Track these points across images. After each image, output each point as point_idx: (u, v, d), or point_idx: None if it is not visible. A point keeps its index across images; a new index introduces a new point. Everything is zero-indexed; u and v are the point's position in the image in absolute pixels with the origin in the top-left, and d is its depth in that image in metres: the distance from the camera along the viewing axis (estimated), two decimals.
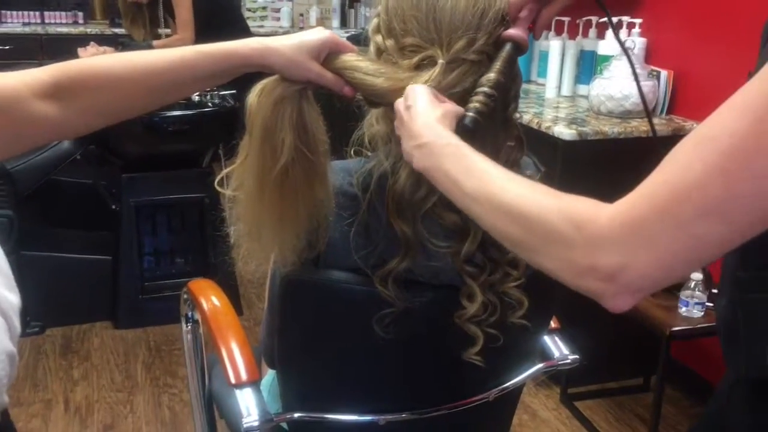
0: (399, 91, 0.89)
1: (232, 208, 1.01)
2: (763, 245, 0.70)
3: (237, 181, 0.98)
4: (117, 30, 4.10)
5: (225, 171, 1.00)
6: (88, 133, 0.94)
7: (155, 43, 3.42)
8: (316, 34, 0.94)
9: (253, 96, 0.94)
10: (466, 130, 0.85)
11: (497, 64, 0.91)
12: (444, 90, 0.90)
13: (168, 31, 3.60)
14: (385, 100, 0.94)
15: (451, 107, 0.86)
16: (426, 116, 0.82)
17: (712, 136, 0.56)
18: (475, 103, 0.88)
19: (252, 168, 0.95)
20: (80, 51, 3.27)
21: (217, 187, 1.02)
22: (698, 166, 0.56)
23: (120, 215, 2.81)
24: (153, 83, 0.91)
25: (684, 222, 0.56)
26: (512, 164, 0.99)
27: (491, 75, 0.90)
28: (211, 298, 1.40)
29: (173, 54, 0.91)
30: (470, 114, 0.87)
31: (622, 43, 1.13)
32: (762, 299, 0.70)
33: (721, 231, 0.56)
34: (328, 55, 0.95)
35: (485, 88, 0.89)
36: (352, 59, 0.94)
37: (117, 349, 2.72)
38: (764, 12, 0.65)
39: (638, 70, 2.33)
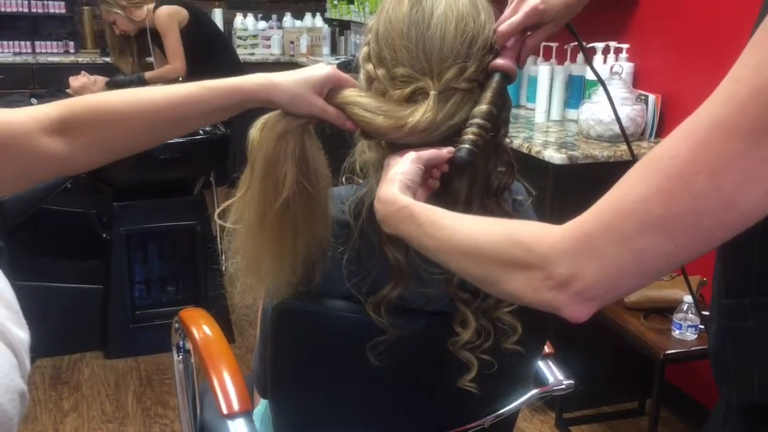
0: (398, 129, 0.91)
1: (231, 241, 1.01)
2: (740, 273, 0.71)
3: (237, 213, 0.98)
4: (108, 59, 4.11)
5: (225, 203, 1.00)
6: (91, 170, 0.94)
7: (147, 75, 3.44)
8: (319, 70, 0.95)
9: (255, 130, 0.94)
10: (462, 163, 0.89)
11: (488, 95, 0.92)
12: (442, 122, 0.91)
13: (151, 59, 3.62)
14: (384, 138, 0.95)
15: (414, 161, 0.89)
16: (380, 191, 0.87)
17: (658, 157, 0.59)
18: (470, 135, 0.90)
19: (253, 201, 0.95)
20: (71, 80, 3.28)
21: (217, 219, 1.02)
22: (642, 185, 0.59)
23: (110, 244, 2.80)
24: (159, 119, 0.91)
25: (627, 237, 0.59)
26: (503, 189, 1.00)
27: (483, 107, 0.91)
28: (202, 327, 1.39)
29: (179, 90, 0.92)
30: (465, 146, 0.89)
31: (594, 70, 1.14)
32: (746, 327, 0.70)
33: (664, 247, 0.58)
34: (330, 90, 0.95)
35: (478, 120, 0.90)
36: (353, 95, 0.95)
37: (108, 379, 2.69)
38: (748, 33, 0.66)
39: (626, 95, 2.35)
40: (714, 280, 0.76)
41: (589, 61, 1.15)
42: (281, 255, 0.97)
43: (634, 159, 1.05)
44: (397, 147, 0.94)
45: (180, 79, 3.42)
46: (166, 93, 0.92)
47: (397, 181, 0.86)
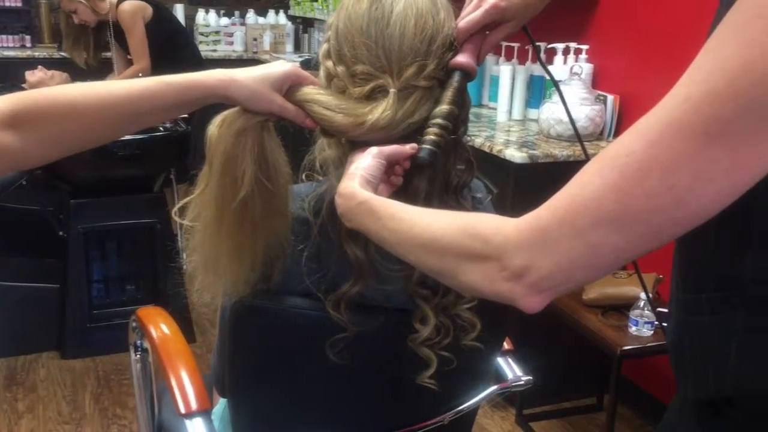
0: (357, 127, 0.91)
1: (189, 239, 1.00)
2: (697, 269, 0.72)
3: (195, 211, 0.97)
4: (65, 54, 4.03)
5: (183, 201, 0.98)
6: (45, 164, 0.92)
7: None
8: (279, 67, 0.95)
9: (213, 127, 0.93)
10: (423, 163, 0.89)
11: (448, 94, 0.93)
12: (402, 120, 0.91)
13: (109, 54, 3.54)
14: (344, 136, 0.95)
15: (376, 157, 0.89)
16: (341, 185, 0.87)
17: (612, 155, 0.60)
18: (431, 135, 0.90)
19: (211, 199, 0.94)
20: (27, 74, 3.20)
21: (175, 217, 1.01)
22: (597, 181, 0.60)
23: (68, 242, 2.74)
24: (115, 113, 0.90)
25: (581, 231, 0.60)
26: (463, 186, 1.00)
27: (444, 107, 0.92)
28: (160, 326, 1.37)
29: (136, 84, 0.91)
30: (427, 146, 0.89)
31: (548, 71, 1.16)
32: (702, 321, 0.71)
33: (616, 241, 0.60)
34: (290, 87, 0.95)
35: (439, 120, 0.91)
36: (313, 92, 0.95)
37: (64, 379, 2.64)
38: (705, 36, 0.68)
39: (586, 95, 2.39)
40: (672, 275, 0.78)
41: (542, 62, 1.17)
42: (240, 253, 0.96)
43: (587, 159, 1.07)
44: (358, 144, 0.94)
45: (140, 75, 3.37)
46: (123, 87, 0.91)
47: (357, 176, 0.86)
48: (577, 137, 1.16)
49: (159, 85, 0.91)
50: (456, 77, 0.94)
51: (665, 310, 0.84)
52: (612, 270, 0.63)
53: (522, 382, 1.34)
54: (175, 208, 1.01)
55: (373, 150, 0.90)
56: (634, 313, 2.02)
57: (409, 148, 0.91)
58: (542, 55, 2.68)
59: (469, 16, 0.95)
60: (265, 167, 0.93)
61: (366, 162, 0.88)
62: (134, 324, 1.49)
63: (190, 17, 5.14)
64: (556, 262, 0.62)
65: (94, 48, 3.58)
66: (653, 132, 0.58)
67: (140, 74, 3.34)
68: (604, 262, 0.61)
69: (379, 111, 0.90)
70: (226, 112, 0.94)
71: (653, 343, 1.99)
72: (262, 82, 0.92)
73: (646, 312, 2.00)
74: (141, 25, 3.39)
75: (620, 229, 0.59)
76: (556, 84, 1.18)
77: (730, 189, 0.57)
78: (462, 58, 0.94)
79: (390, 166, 0.91)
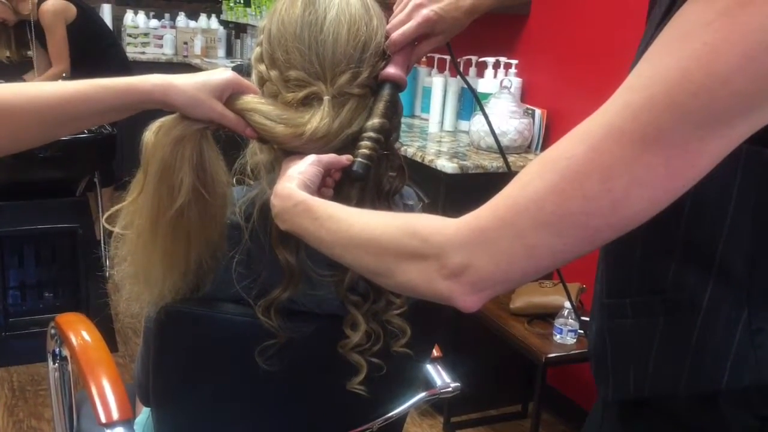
0: (297, 138, 0.90)
1: (118, 248, 0.96)
2: (622, 275, 0.75)
3: (127, 219, 0.94)
4: None
5: (114, 208, 0.95)
6: None
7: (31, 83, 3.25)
8: (219, 74, 0.93)
9: (150, 133, 0.91)
10: (357, 177, 0.91)
11: (380, 106, 0.94)
12: (340, 130, 0.92)
13: (30, 53, 3.42)
14: (283, 146, 0.94)
15: (314, 163, 0.89)
16: (278, 186, 0.86)
17: (553, 157, 0.61)
18: (363, 149, 0.91)
19: (146, 207, 0.92)
20: None
21: (105, 224, 0.98)
22: (537, 183, 0.61)
23: None
24: (47, 116, 0.86)
25: (520, 232, 0.61)
26: (394, 192, 1.01)
27: (375, 120, 0.93)
28: (81, 333, 1.32)
29: (70, 86, 0.87)
30: (360, 160, 0.91)
31: (470, 86, 1.19)
32: (625, 325, 0.74)
33: (553, 243, 0.61)
34: (230, 95, 0.93)
35: (371, 133, 0.92)
36: (253, 101, 0.94)
37: None
38: (629, 54, 0.71)
39: (515, 108, 2.44)
40: (596, 282, 0.80)
41: (464, 78, 1.19)
42: (172, 263, 0.94)
43: (509, 171, 1.10)
44: (293, 151, 0.93)
45: (64, 75, 3.26)
46: (56, 89, 0.87)
47: (295, 179, 0.86)
48: (499, 149, 1.18)
49: (95, 88, 0.88)
50: (387, 89, 0.95)
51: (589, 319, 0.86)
52: (548, 271, 0.64)
53: (450, 389, 1.36)
54: (106, 215, 0.97)
55: (312, 157, 0.90)
56: (558, 322, 2.07)
57: (345, 159, 0.91)
58: (472, 70, 2.75)
59: (402, 28, 0.97)
60: (203, 176, 0.91)
61: (304, 167, 0.88)
62: (53, 331, 1.43)
63: (118, 18, 5.01)
64: (495, 261, 0.63)
65: (16, 46, 3.45)
66: (593, 136, 0.59)
67: (64, 75, 3.23)
68: (542, 264, 0.63)
69: (317, 120, 0.90)
70: (163, 119, 0.92)
71: (576, 351, 2.04)
72: (202, 89, 0.90)
73: (570, 320, 2.06)
74: (62, 26, 3.28)
75: (558, 231, 0.60)
76: (476, 96, 1.22)
77: (664, 194, 0.59)
78: (392, 70, 0.95)
79: (325, 175, 0.91)
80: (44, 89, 0.87)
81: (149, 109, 0.92)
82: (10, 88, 0.86)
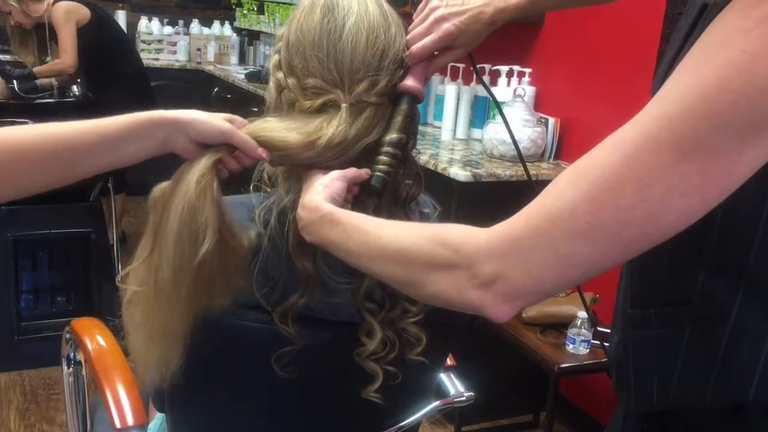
0: (311, 144, 0.89)
1: (130, 314, 0.91)
2: (648, 285, 0.75)
3: (137, 281, 0.89)
4: (4, 57, 3.91)
5: (127, 269, 0.90)
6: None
7: (36, 69, 3.29)
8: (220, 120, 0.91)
9: (160, 186, 0.87)
10: (375, 192, 0.91)
11: (398, 120, 0.94)
12: (357, 139, 0.91)
13: (49, 59, 3.48)
14: (297, 159, 0.91)
15: (339, 177, 0.88)
16: (305, 198, 0.86)
17: (587, 167, 0.61)
18: (381, 164, 0.91)
19: (163, 263, 0.85)
20: None
21: (119, 284, 0.91)
22: (571, 193, 0.61)
23: None
24: (67, 157, 0.86)
25: (553, 242, 0.61)
26: (411, 199, 1.01)
27: (393, 135, 0.92)
28: (96, 337, 1.33)
29: (88, 124, 0.87)
30: (378, 174, 0.91)
31: (492, 95, 1.19)
32: (649, 335, 0.73)
33: (587, 253, 0.60)
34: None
35: (389, 148, 0.92)
36: (258, 125, 0.92)
37: None
38: (642, 64, 0.71)
39: (528, 117, 2.44)
40: (618, 292, 0.80)
41: (486, 86, 1.20)
42: (192, 317, 0.89)
43: (529, 179, 1.10)
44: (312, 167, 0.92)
45: (70, 72, 3.31)
46: (81, 128, 0.86)
47: (322, 192, 0.85)
48: (520, 158, 1.18)
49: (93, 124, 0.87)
50: (405, 103, 0.95)
51: (606, 330, 0.86)
52: (580, 282, 0.64)
53: (464, 398, 1.35)
54: (120, 275, 0.92)
55: (337, 172, 0.89)
56: (571, 332, 2.06)
57: (364, 173, 0.91)
58: (485, 78, 2.76)
59: (422, 41, 0.96)
60: (221, 216, 0.87)
61: (330, 181, 0.87)
62: (68, 335, 1.44)
63: (132, 24, 5.04)
64: (527, 271, 0.62)
65: (38, 50, 3.51)
66: (627, 146, 0.59)
67: (67, 71, 3.28)
68: (575, 274, 0.62)
69: (334, 126, 0.90)
70: (165, 183, 0.88)
71: (589, 361, 2.03)
72: (207, 114, 0.90)
73: (583, 330, 2.05)
74: (72, 23, 3.34)
75: (592, 241, 0.60)
76: (499, 107, 1.21)
77: (699, 204, 0.58)
78: (411, 82, 0.95)
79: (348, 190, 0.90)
80: (75, 129, 0.86)
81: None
82: (36, 131, 0.85)
